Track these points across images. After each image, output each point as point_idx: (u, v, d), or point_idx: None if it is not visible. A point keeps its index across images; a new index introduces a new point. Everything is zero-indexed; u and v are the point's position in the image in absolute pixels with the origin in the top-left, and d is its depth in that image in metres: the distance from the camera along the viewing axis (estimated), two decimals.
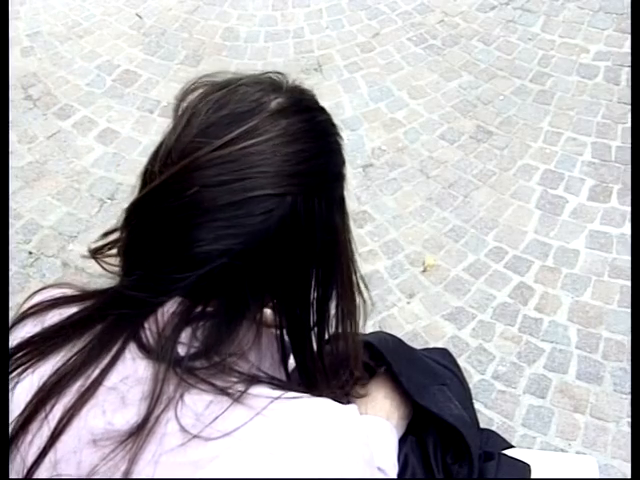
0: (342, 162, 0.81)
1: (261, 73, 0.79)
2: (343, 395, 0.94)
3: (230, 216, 0.70)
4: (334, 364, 0.88)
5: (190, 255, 0.70)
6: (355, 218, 2.36)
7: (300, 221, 0.72)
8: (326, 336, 0.84)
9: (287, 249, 0.73)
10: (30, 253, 2.31)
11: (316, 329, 0.83)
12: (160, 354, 0.69)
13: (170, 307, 0.71)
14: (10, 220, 2.35)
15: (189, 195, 0.70)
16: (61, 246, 2.32)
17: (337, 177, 0.79)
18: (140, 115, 2.67)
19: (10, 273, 2.22)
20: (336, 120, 0.82)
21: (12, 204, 2.40)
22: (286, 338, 0.82)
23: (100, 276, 0.78)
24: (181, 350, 0.70)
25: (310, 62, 2.84)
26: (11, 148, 2.55)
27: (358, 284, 0.85)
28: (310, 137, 0.75)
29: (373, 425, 1.03)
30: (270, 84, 0.77)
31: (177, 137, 0.73)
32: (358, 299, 0.85)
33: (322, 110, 0.80)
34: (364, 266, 2.24)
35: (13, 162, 2.52)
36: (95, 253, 0.79)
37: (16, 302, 0.82)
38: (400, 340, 1.18)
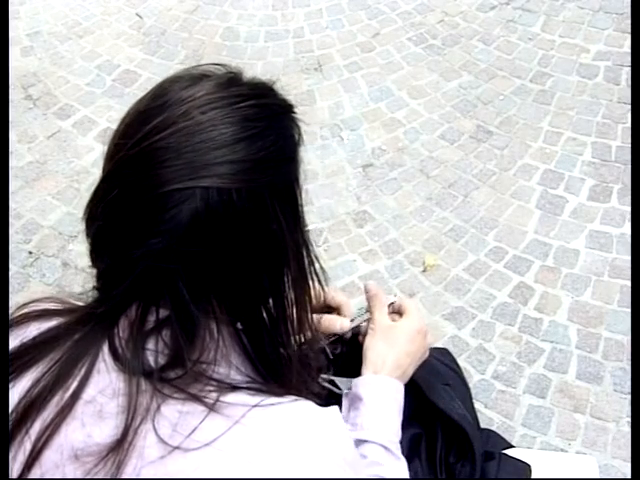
0: (279, 148, 0.72)
1: (193, 67, 0.76)
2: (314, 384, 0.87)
3: (146, 215, 0.67)
4: (299, 362, 0.82)
5: (122, 261, 0.68)
6: (355, 218, 2.36)
7: (217, 214, 0.67)
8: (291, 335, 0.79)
9: (211, 244, 0.68)
10: (30, 253, 2.30)
11: (279, 327, 0.78)
12: (131, 364, 0.68)
13: (132, 315, 0.70)
14: (10, 220, 2.35)
15: (112, 198, 0.69)
16: (61, 246, 2.31)
17: (269, 165, 0.71)
18: None
19: (10, 273, 2.22)
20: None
21: (12, 204, 2.40)
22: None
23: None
24: (151, 359, 0.69)
25: (310, 62, 2.84)
26: (11, 148, 2.55)
27: (313, 278, 0.80)
28: (226, 124, 0.69)
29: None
30: (190, 78, 0.73)
31: (109, 143, 0.73)
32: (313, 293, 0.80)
33: (259, 95, 0.73)
34: (364, 266, 2.24)
35: (13, 162, 2.52)
36: None
37: (16, 302, 0.81)
38: None
